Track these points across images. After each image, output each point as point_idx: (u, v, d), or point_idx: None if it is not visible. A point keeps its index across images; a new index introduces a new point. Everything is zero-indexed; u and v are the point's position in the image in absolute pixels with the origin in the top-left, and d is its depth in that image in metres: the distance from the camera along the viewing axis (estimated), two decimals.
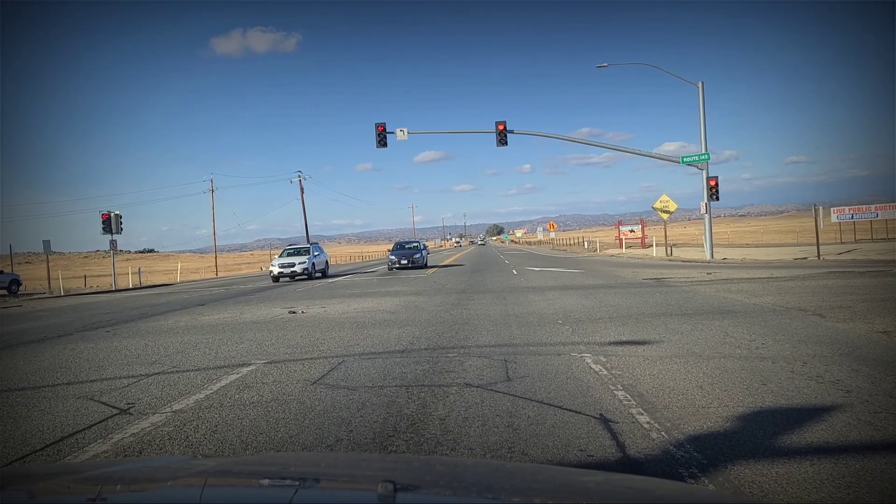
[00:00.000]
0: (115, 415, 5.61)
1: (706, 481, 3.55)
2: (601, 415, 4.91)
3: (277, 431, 4.89)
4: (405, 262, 32.45)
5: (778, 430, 4.38)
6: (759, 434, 4.30)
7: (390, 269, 32.53)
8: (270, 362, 7.87)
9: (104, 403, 6.06)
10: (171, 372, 7.55)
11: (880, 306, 10.48)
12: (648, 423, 4.65)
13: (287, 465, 2.07)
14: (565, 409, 5.12)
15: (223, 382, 6.75)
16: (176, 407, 5.78)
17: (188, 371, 7.56)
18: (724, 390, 5.52)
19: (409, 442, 4.47)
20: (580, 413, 4.98)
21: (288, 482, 1.74)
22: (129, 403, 6.01)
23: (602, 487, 1.65)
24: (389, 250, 35.86)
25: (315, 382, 6.52)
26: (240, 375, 7.10)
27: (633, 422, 4.70)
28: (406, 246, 36.16)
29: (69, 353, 9.56)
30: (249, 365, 7.74)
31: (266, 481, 1.77)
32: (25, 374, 8.02)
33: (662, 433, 4.41)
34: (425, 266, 33.63)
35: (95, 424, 5.31)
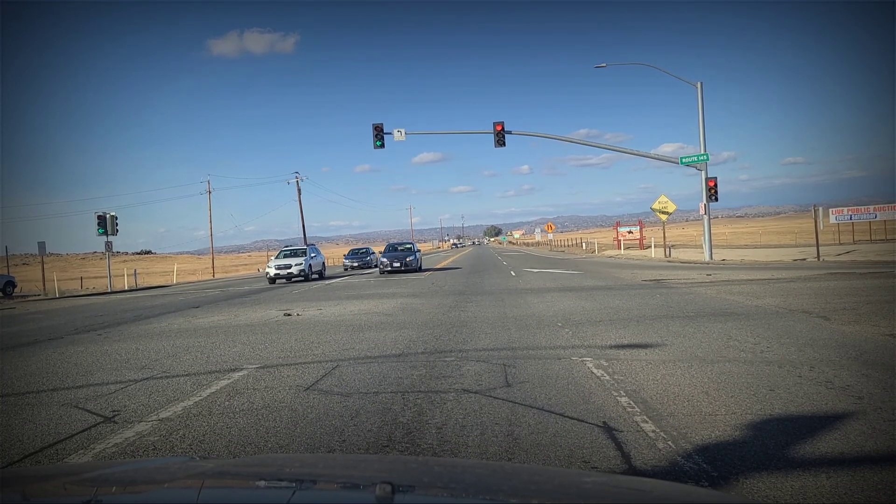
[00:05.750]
0: (99, 423, 5.40)
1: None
2: (605, 423, 4.72)
3: (267, 441, 4.69)
4: (397, 264, 31.00)
5: (790, 439, 4.19)
6: (771, 444, 4.11)
7: (381, 272, 31.36)
8: (263, 367, 7.67)
9: (89, 411, 5.85)
10: (161, 377, 7.34)
11: (885, 308, 10.31)
12: (654, 431, 4.46)
13: (285, 467, 2.05)
14: (567, 416, 4.93)
15: (213, 388, 6.55)
16: (163, 415, 5.57)
17: (178, 376, 7.36)
18: (731, 396, 5.33)
19: (404, 452, 4.27)
20: (583, 421, 4.78)
21: (285, 483, 1.75)
22: (114, 411, 5.80)
23: (601, 488, 1.63)
24: (381, 252, 35.11)
25: (308, 388, 6.31)
26: (231, 381, 6.90)
27: (637, 430, 4.51)
28: (398, 248, 34.74)
29: (57, 358, 9.35)
30: (241, 370, 7.54)
31: (263, 483, 1.77)
32: (11, 379, 7.81)
33: (669, 443, 4.22)
34: (419, 269, 32.69)
35: (77, 434, 5.10)
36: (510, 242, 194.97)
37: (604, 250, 56.49)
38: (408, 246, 35.44)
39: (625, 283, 19.02)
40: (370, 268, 41.22)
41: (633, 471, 3.77)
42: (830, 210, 47.45)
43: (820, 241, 28.57)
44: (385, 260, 31.55)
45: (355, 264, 41.78)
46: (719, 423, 4.62)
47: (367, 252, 45.02)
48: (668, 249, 39.17)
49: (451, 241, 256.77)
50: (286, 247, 35.15)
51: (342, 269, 41.62)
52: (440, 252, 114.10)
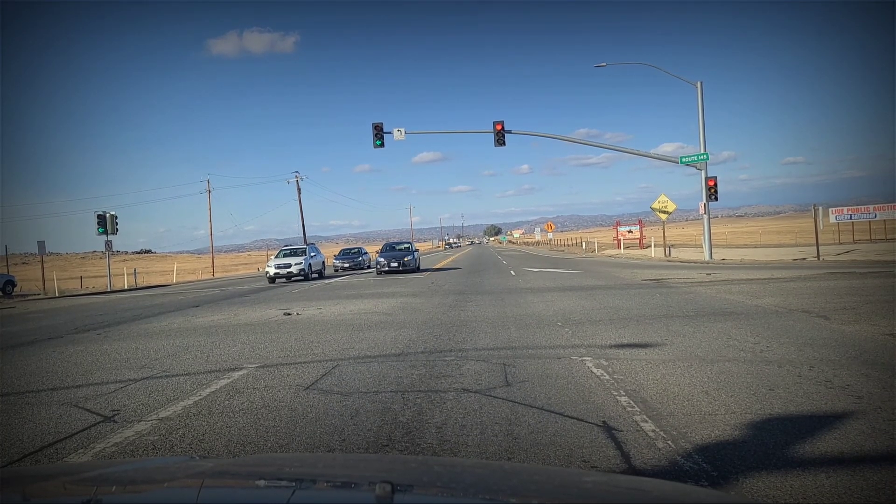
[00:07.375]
0: (99, 422, 5.40)
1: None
2: (604, 422, 4.72)
3: (267, 440, 4.69)
4: (395, 264, 30.53)
5: (789, 438, 4.19)
6: (771, 443, 4.11)
7: (379, 272, 30.86)
8: (263, 366, 7.67)
9: (88, 410, 5.85)
10: (161, 377, 7.34)
11: (884, 308, 10.31)
12: (654, 431, 4.46)
13: (284, 466, 2.05)
14: (567, 416, 4.93)
15: (213, 388, 6.55)
16: (162, 414, 5.58)
17: (178, 376, 7.36)
18: (731, 396, 5.33)
19: (404, 452, 4.28)
20: (582, 420, 4.78)
21: (285, 483, 1.75)
22: (114, 410, 5.80)
23: (600, 488, 1.63)
24: (378, 252, 34.84)
25: (308, 388, 6.32)
26: (230, 380, 6.90)
27: (637, 430, 4.51)
28: (396, 247, 34.29)
29: (57, 357, 9.35)
30: (241, 369, 7.54)
31: (263, 482, 1.77)
32: (11, 378, 7.81)
33: (669, 442, 4.22)
34: (417, 269, 32.21)
35: (77, 433, 5.10)
36: (510, 242, 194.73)
37: (604, 250, 56.47)
38: (406, 245, 35.10)
39: (624, 282, 19.02)
40: (362, 268, 40.32)
41: (632, 470, 3.77)
42: (830, 210, 47.44)
43: (820, 241, 28.57)
44: (382, 260, 31.15)
45: (346, 265, 39.97)
46: (719, 422, 4.62)
47: (360, 252, 43.75)
48: (667, 249, 39.17)
49: (449, 240, 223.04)
50: (286, 246, 35.11)
51: (332, 270, 40.67)
52: (439, 252, 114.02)
